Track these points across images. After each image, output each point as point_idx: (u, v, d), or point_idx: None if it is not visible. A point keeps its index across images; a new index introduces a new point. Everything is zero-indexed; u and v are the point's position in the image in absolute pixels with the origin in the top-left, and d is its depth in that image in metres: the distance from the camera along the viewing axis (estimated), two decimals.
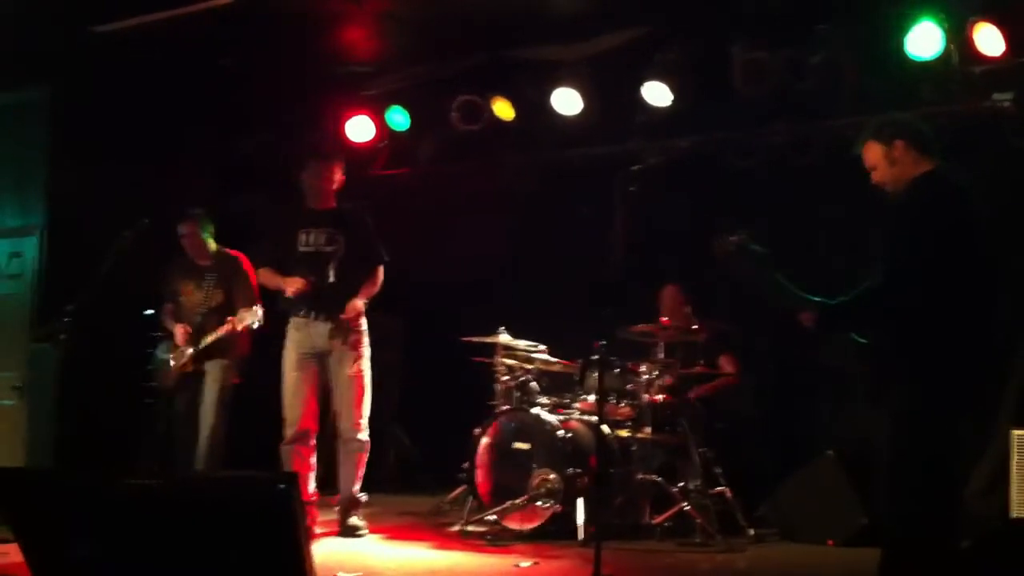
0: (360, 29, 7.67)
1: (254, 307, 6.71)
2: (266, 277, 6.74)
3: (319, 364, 6.59)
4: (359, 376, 6.57)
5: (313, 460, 6.63)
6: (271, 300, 6.83)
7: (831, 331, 4.61)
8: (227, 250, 7.20)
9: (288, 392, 6.58)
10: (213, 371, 6.95)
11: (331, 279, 6.51)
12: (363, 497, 6.70)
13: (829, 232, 7.62)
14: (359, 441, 6.60)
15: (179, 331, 7.00)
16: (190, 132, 8.23)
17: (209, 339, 6.83)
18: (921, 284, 4.12)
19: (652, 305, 7.51)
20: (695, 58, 7.35)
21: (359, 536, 6.51)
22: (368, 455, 6.69)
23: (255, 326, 6.70)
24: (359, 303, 6.54)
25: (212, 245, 7.16)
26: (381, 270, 6.74)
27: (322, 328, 6.54)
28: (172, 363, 6.99)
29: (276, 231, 6.78)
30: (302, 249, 6.62)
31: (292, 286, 6.51)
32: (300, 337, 6.60)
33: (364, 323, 6.68)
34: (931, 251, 4.14)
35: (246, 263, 7.10)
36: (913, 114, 4.79)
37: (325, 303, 6.53)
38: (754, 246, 4.52)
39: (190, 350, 6.89)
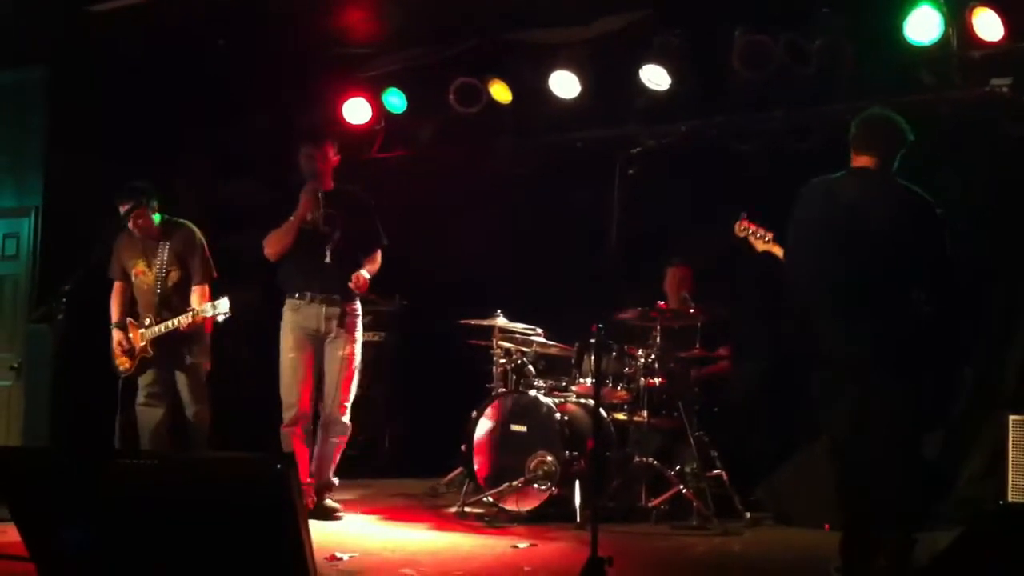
0: (358, 10, 7.64)
1: (221, 299, 6.51)
2: (274, 236, 6.55)
3: (315, 345, 6.58)
4: (351, 358, 6.57)
5: (308, 444, 6.59)
6: (267, 280, 6.78)
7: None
8: (176, 220, 6.93)
9: (286, 374, 6.57)
10: (186, 360, 6.78)
11: (327, 260, 6.47)
12: (335, 480, 6.68)
13: None
14: (343, 424, 6.58)
15: (115, 341, 6.83)
16: (187, 113, 8.19)
17: (171, 325, 6.61)
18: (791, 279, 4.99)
19: (650, 288, 7.50)
20: (694, 42, 7.32)
21: (336, 519, 6.46)
22: (348, 439, 6.67)
23: (220, 319, 6.53)
24: (365, 273, 6.52)
25: (157, 218, 6.85)
26: (380, 253, 6.74)
27: (318, 309, 6.53)
28: (116, 359, 6.84)
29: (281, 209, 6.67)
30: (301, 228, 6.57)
31: (304, 197, 6.44)
32: (297, 319, 6.58)
33: (359, 307, 6.69)
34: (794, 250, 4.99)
35: (195, 233, 6.88)
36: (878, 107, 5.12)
37: (321, 284, 6.51)
38: (759, 232, 5.42)
39: (151, 332, 6.70)
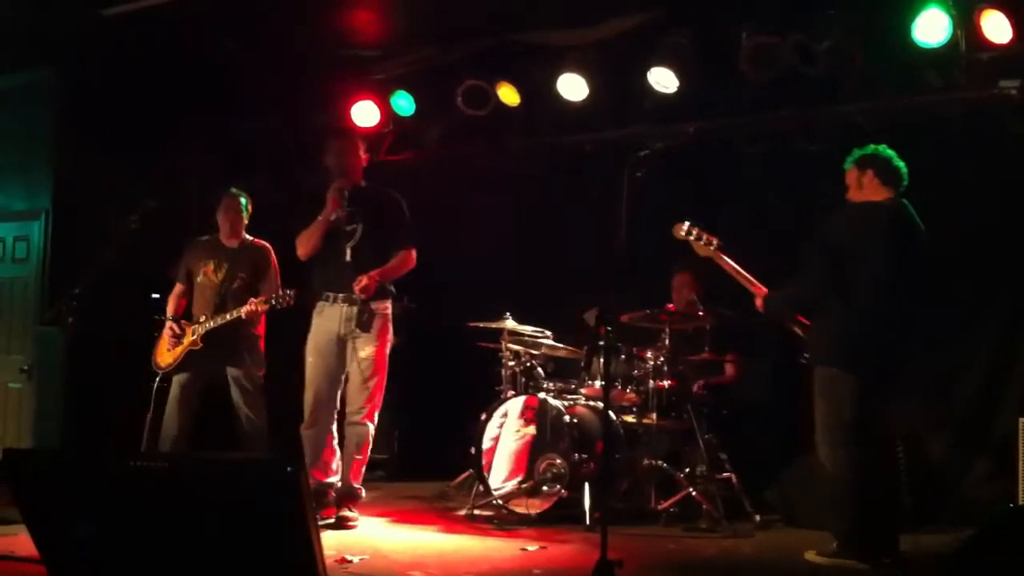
0: (366, 13, 7.65)
1: (279, 291, 6.63)
2: (303, 237, 6.51)
3: (339, 348, 6.44)
4: (372, 361, 6.39)
5: (335, 444, 6.50)
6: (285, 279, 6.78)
7: (771, 315, 5.79)
8: (256, 240, 7.11)
9: (307, 377, 6.49)
10: (240, 367, 6.87)
11: (347, 259, 6.37)
12: (362, 492, 6.53)
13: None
14: (362, 428, 6.40)
15: (167, 328, 6.95)
16: (196, 115, 8.21)
17: (231, 316, 6.70)
18: (824, 286, 5.46)
19: (658, 291, 7.49)
20: (702, 43, 7.31)
21: (349, 527, 6.27)
22: (370, 445, 6.50)
23: (275, 304, 6.57)
24: (365, 279, 6.28)
25: (244, 229, 7.08)
26: (405, 254, 6.53)
27: (339, 310, 6.40)
28: (164, 350, 6.93)
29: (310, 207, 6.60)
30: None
31: (331, 196, 6.40)
32: (320, 321, 6.49)
33: (389, 308, 6.53)
34: (838, 261, 5.40)
35: (272, 254, 7.00)
36: (890, 151, 5.61)
37: (341, 284, 6.39)
38: (703, 237, 5.86)
39: (204, 327, 6.79)
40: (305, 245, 6.52)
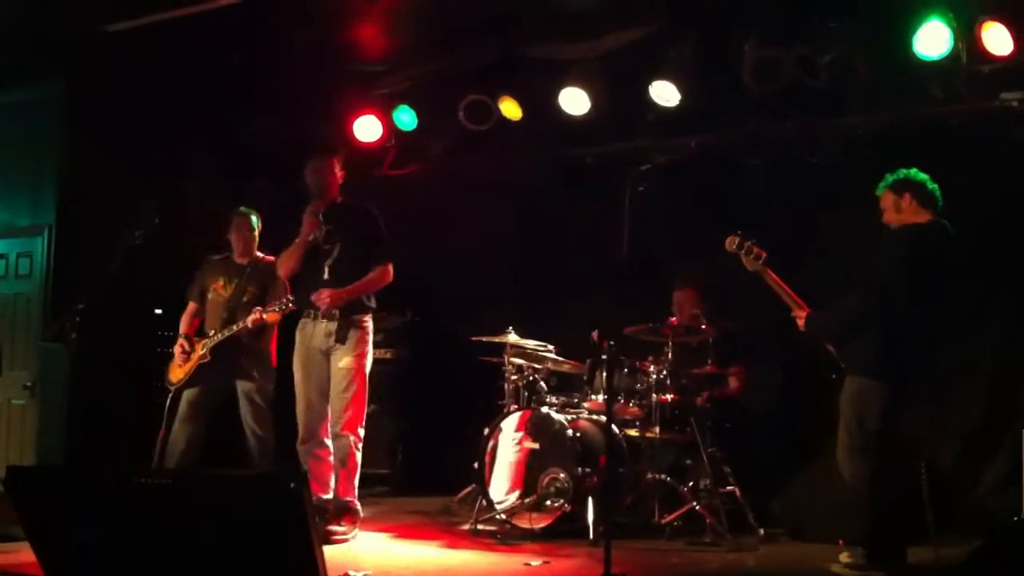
0: (369, 27, 7.66)
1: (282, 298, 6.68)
2: (282, 258, 6.64)
3: (324, 362, 6.52)
4: (350, 372, 6.45)
5: (331, 459, 6.51)
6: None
7: (814, 336, 5.81)
8: (265, 256, 7.13)
9: (297, 393, 6.57)
10: (251, 382, 6.89)
11: (325, 276, 6.49)
12: (356, 505, 6.52)
13: (839, 229, 7.59)
14: (344, 439, 6.42)
15: (178, 345, 6.98)
16: (204, 131, 8.22)
17: (236, 328, 6.75)
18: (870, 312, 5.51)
19: (661, 305, 7.49)
20: (705, 56, 7.32)
21: (335, 543, 6.17)
22: (358, 457, 6.48)
23: (279, 310, 6.68)
24: (327, 292, 6.40)
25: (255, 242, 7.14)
26: (382, 270, 6.59)
27: (320, 326, 6.50)
28: (175, 366, 6.96)
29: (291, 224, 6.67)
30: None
31: (306, 219, 6.48)
32: (303, 338, 6.59)
33: (369, 321, 6.62)
34: (896, 282, 5.45)
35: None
36: (927, 174, 5.72)
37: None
38: (753, 251, 5.84)
39: (213, 340, 6.82)
40: (284, 266, 6.67)
